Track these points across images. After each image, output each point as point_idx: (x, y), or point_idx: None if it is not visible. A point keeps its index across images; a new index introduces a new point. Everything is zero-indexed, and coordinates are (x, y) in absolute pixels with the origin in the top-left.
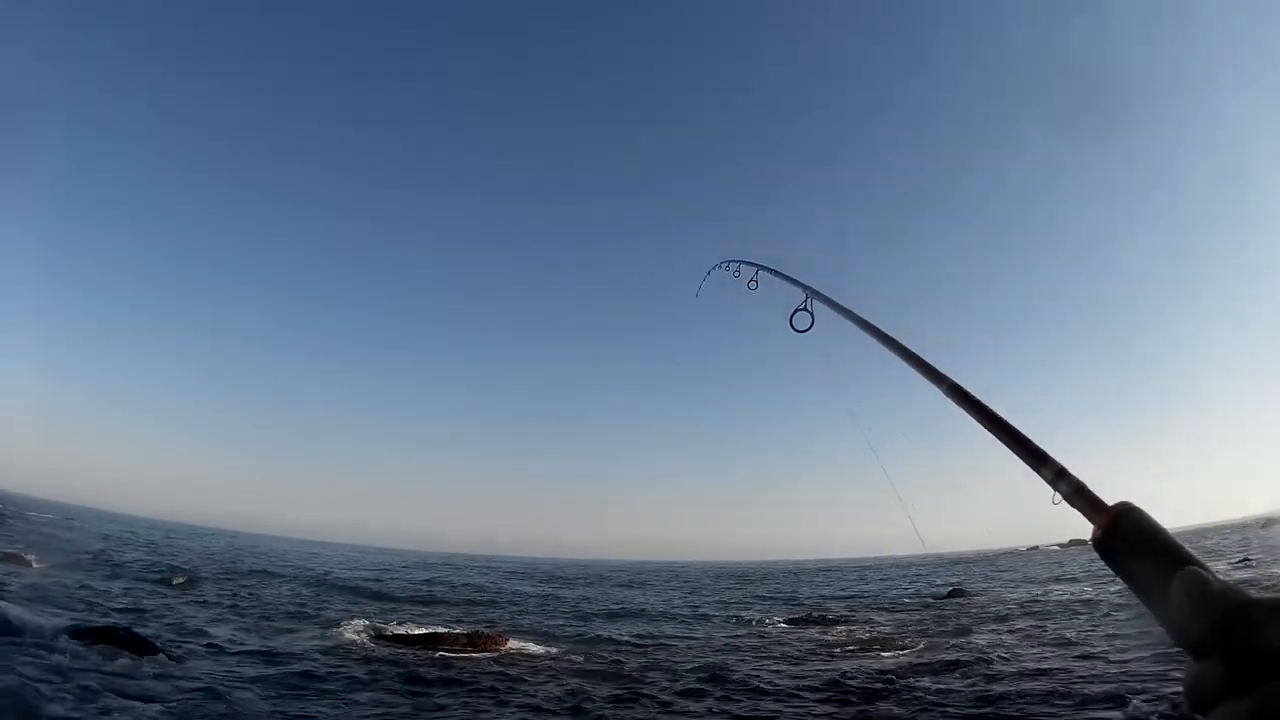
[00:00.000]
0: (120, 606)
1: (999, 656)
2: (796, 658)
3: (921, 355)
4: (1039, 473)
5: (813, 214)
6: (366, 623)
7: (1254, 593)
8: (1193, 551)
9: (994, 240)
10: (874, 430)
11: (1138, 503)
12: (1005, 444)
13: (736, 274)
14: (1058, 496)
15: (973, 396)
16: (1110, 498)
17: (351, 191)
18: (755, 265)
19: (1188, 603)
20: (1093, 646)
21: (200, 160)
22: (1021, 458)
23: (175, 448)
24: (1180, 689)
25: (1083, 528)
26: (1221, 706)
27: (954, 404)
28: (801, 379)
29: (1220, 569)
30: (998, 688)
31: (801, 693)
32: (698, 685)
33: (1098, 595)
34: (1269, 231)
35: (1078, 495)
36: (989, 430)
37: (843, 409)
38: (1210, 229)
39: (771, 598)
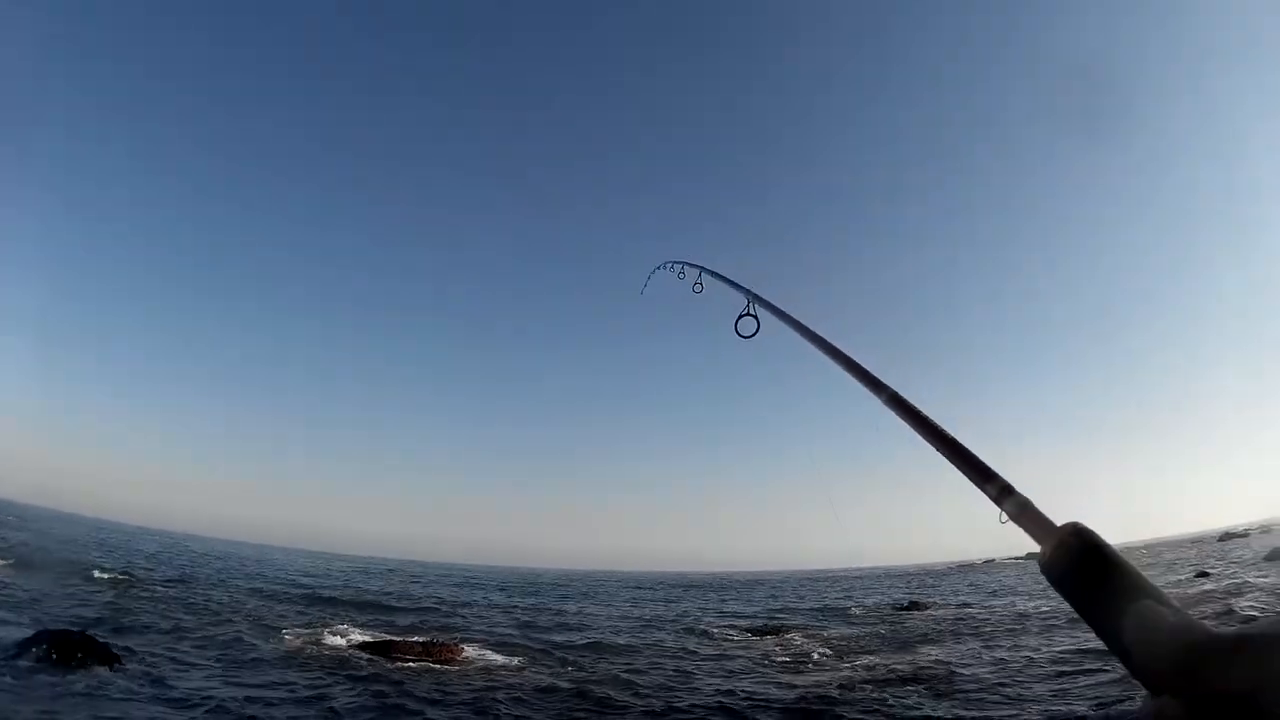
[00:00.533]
0: (72, 610)
1: (953, 668)
2: (755, 668)
3: (861, 364)
4: (983, 489)
5: (777, 223)
6: (321, 630)
7: (1211, 624)
8: (1146, 578)
9: (964, 252)
10: (839, 439)
11: (1089, 522)
12: (948, 458)
13: (681, 275)
14: (1004, 516)
15: (913, 407)
16: (1064, 514)
17: (334, 198)
18: (698, 267)
19: (1143, 637)
20: (1040, 658)
21: (199, 163)
22: (965, 473)
23: (126, 448)
24: None
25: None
26: None
27: (895, 415)
28: (754, 390)
29: (1178, 579)
30: (949, 699)
31: (762, 703)
32: (657, 695)
33: (1050, 609)
34: (1258, 248)
35: (1023, 514)
36: (931, 444)
37: (793, 420)
38: (1198, 243)
39: (728, 608)
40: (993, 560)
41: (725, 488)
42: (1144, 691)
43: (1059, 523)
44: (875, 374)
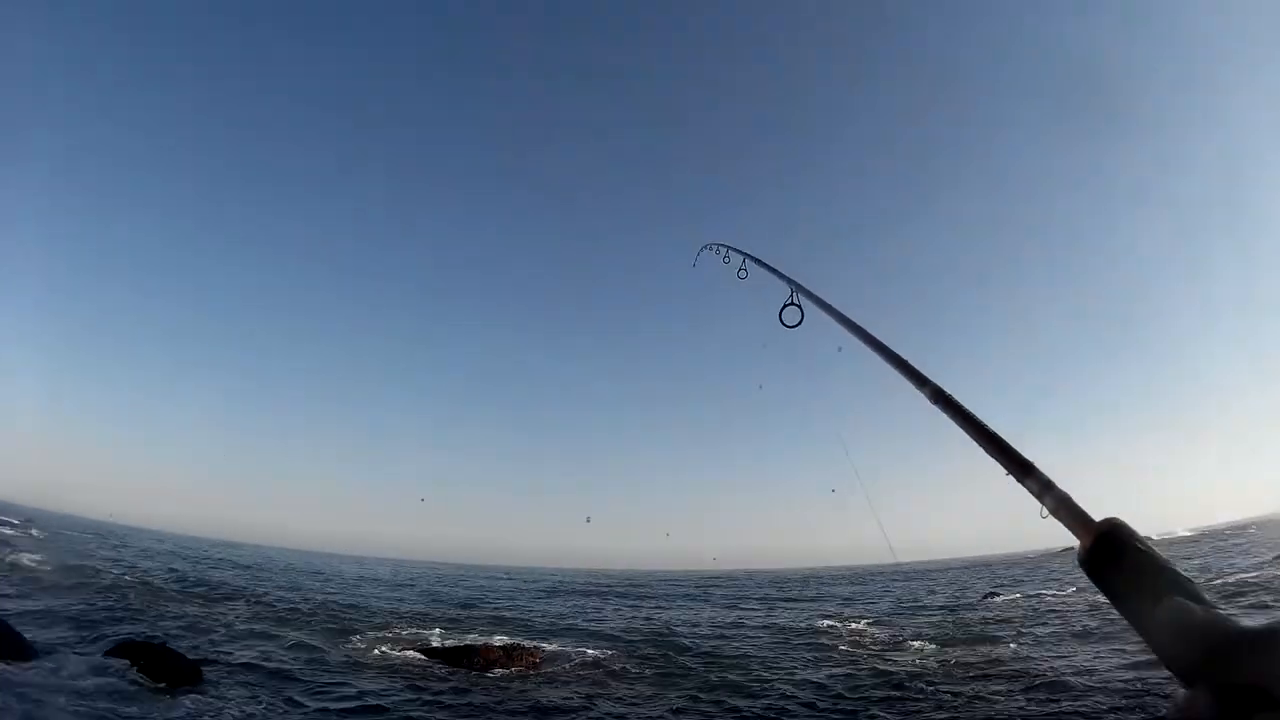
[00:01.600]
0: (149, 621)
1: (1027, 662)
2: (857, 661)
3: (906, 358)
4: (1024, 484)
5: (799, 212)
6: (395, 635)
7: (1239, 619)
8: (1181, 573)
9: (980, 244)
10: (875, 436)
11: (1126, 518)
12: (990, 454)
13: (726, 260)
14: (1045, 510)
15: (957, 403)
16: (1100, 509)
17: (338, 191)
18: (743, 254)
19: (1175, 631)
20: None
21: (199, 162)
22: (1007, 468)
23: (183, 460)
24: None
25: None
26: None
27: (939, 411)
28: (795, 382)
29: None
30: (1023, 693)
31: (859, 694)
32: (751, 691)
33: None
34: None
35: (1063, 509)
36: (974, 439)
37: (828, 417)
38: (1207, 238)
39: (805, 603)
40: (1071, 548)
41: (754, 486)
42: (1175, 684)
43: (1098, 518)
44: (920, 369)
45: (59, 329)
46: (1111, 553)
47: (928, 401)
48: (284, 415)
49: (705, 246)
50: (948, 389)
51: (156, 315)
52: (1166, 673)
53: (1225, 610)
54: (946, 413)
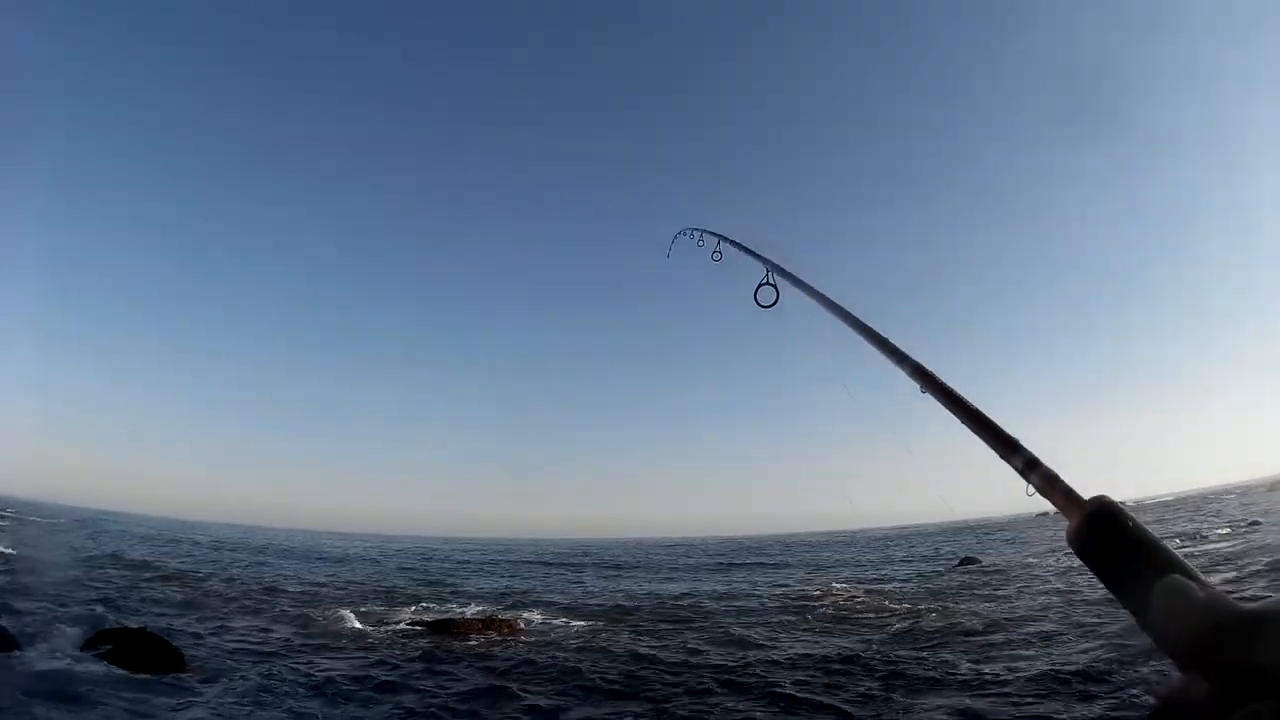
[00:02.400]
0: (131, 608)
1: (1001, 623)
2: (826, 629)
3: (884, 335)
4: (1009, 462)
5: (797, 203)
6: (375, 611)
7: (1238, 600)
8: (1175, 552)
9: (982, 236)
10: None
11: (1110, 484)
12: (974, 431)
13: (700, 243)
14: (1031, 489)
15: (938, 380)
16: (1088, 484)
17: (334, 189)
18: (717, 236)
19: (1171, 611)
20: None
21: (200, 160)
22: (991, 446)
23: (156, 444)
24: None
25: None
26: None
27: (918, 387)
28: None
29: (1224, 533)
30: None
31: (832, 665)
32: (721, 663)
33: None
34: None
35: (1050, 487)
36: (957, 416)
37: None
38: (1205, 226)
39: (780, 568)
40: (1046, 513)
41: (730, 455)
42: (1170, 667)
43: (1086, 496)
44: (898, 345)
45: (52, 320)
46: (1101, 531)
47: (907, 378)
48: (275, 401)
49: (680, 232)
50: (929, 366)
51: (157, 305)
52: (1161, 659)
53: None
54: (928, 389)
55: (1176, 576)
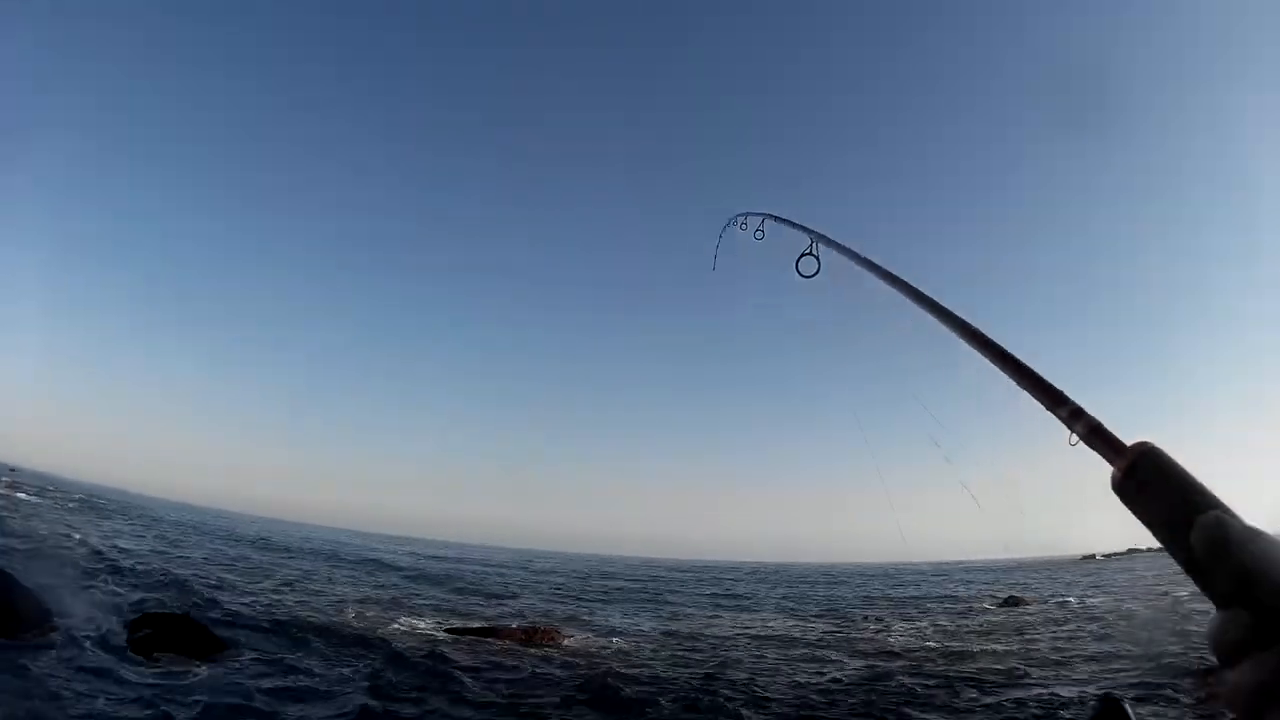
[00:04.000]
0: (172, 591)
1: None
2: (865, 662)
3: (933, 297)
4: (1055, 413)
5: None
6: (414, 614)
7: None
8: (1215, 494)
9: (988, 239)
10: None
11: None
12: (1020, 385)
13: (743, 227)
14: (1074, 438)
15: (987, 337)
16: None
17: (349, 186)
18: (760, 214)
19: (1210, 548)
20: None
21: (201, 156)
22: (1037, 398)
23: (198, 429)
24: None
25: (1140, 536)
26: (1249, 658)
27: (967, 346)
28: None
29: None
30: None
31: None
32: (764, 685)
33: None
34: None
35: (1095, 435)
36: (1003, 370)
37: (850, 412)
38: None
39: (822, 598)
40: (1093, 556)
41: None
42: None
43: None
44: (948, 307)
45: (83, 299)
46: (1145, 476)
47: (955, 337)
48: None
49: (724, 227)
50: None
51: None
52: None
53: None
54: (976, 347)
55: (1216, 513)
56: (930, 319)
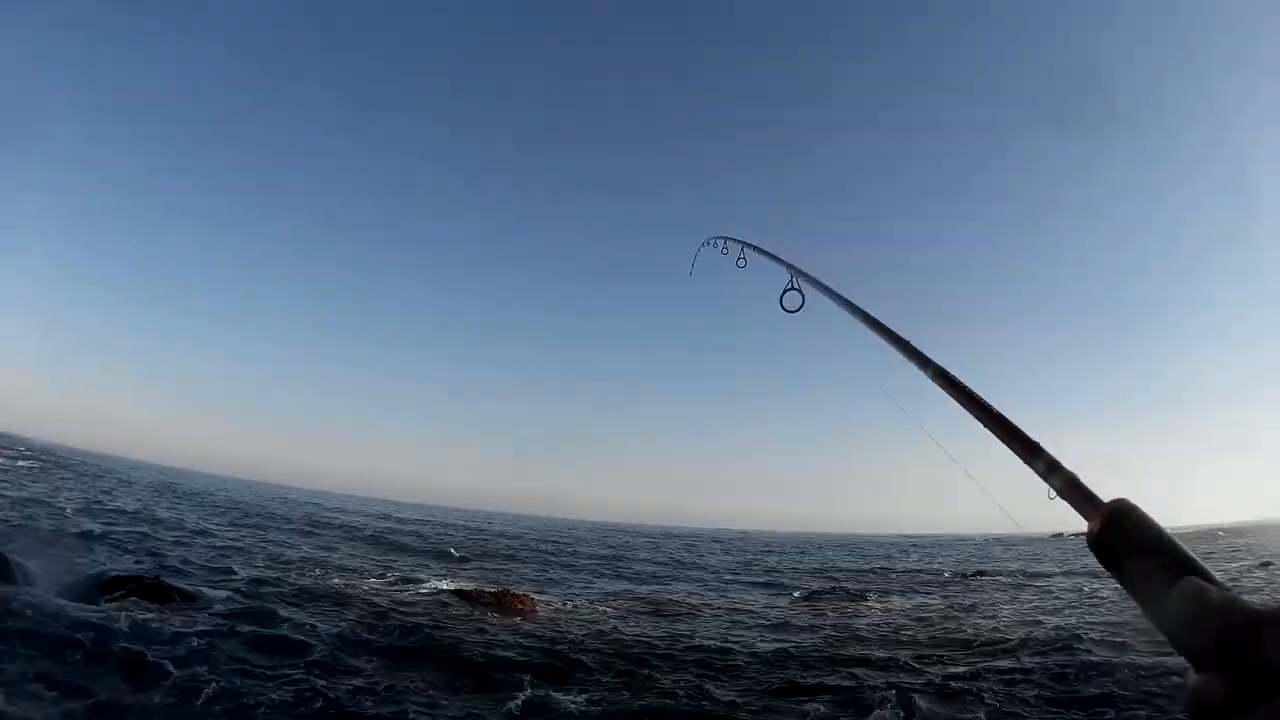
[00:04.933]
0: (147, 553)
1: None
2: (821, 628)
3: (907, 339)
4: (1031, 465)
5: (805, 207)
6: (386, 577)
7: (1256, 603)
8: (1193, 555)
9: (989, 238)
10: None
11: (1134, 500)
12: (996, 435)
13: (725, 251)
14: (1052, 491)
15: (960, 383)
16: (1105, 493)
17: (349, 179)
18: (740, 243)
19: (1189, 612)
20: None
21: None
22: (1013, 449)
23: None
24: (1180, 700)
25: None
26: None
27: (941, 390)
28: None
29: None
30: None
31: (830, 661)
32: (725, 653)
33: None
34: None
35: (1071, 490)
36: (979, 419)
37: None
38: (1209, 228)
39: (796, 568)
40: (1060, 534)
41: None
42: (1188, 668)
43: (1106, 499)
44: (921, 349)
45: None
46: (1121, 534)
47: (929, 381)
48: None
49: (703, 244)
50: (953, 371)
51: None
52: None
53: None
54: (950, 393)
55: (1194, 579)
56: (911, 365)
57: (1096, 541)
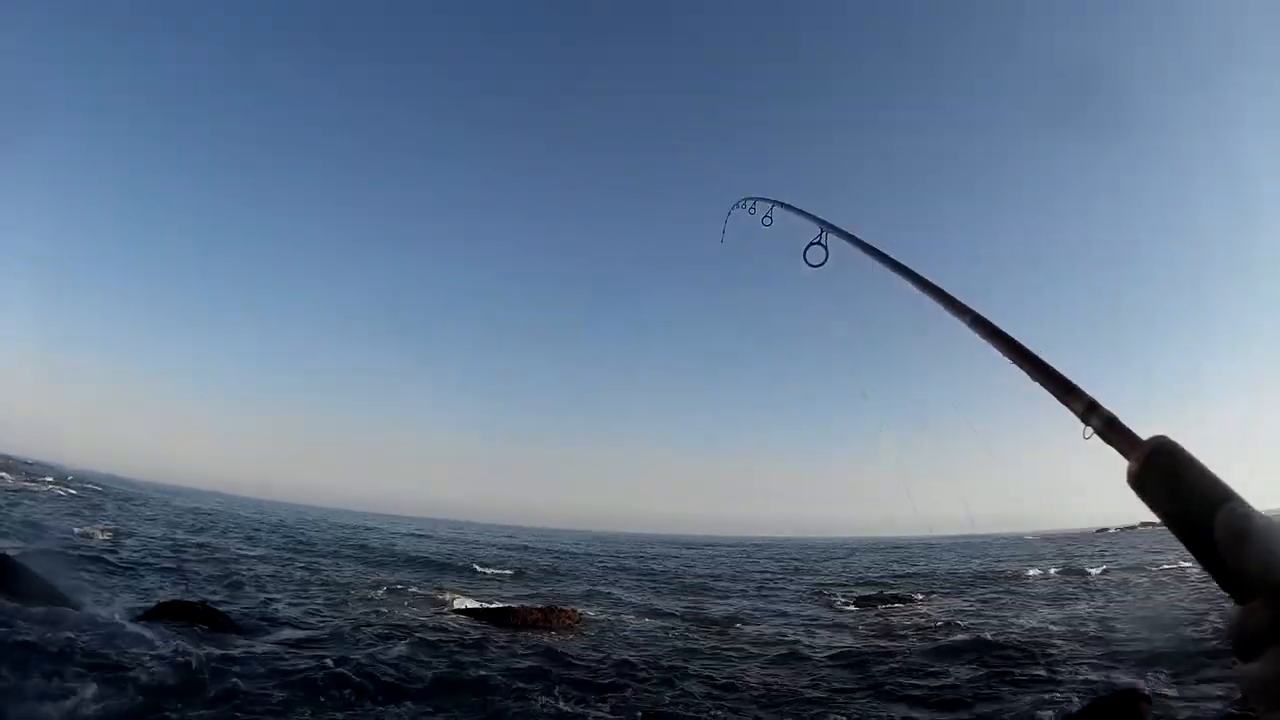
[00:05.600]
0: (193, 578)
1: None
2: (873, 637)
3: (943, 287)
4: (1069, 406)
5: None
6: (428, 595)
7: None
8: (1235, 490)
9: (991, 236)
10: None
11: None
12: (1032, 377)
13: (752, 211)
14: (1089, 431)
15: (998, 329)
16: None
17: (349, 177)
18: (770, 201)
19: (1232, 542)
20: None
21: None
22: (1050, 390)
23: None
24: (1222, 633)
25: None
26: (1269, 651)
27: (979, 337)
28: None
29: None
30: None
31: (886, 674)
32: (780, 663)
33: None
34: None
35: (1110, 429)
36: (1015, 362)
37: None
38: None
39: (837, 576)
40: (1106, 529)
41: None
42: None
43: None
44: (956, 296)
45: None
46: (1161, 470)
47: (967, 328)
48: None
49: (733, 207)
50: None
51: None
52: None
53: None
54: (987, 338)
55: (1234, 505)
56: (940, 309)
57: (1137, 479)
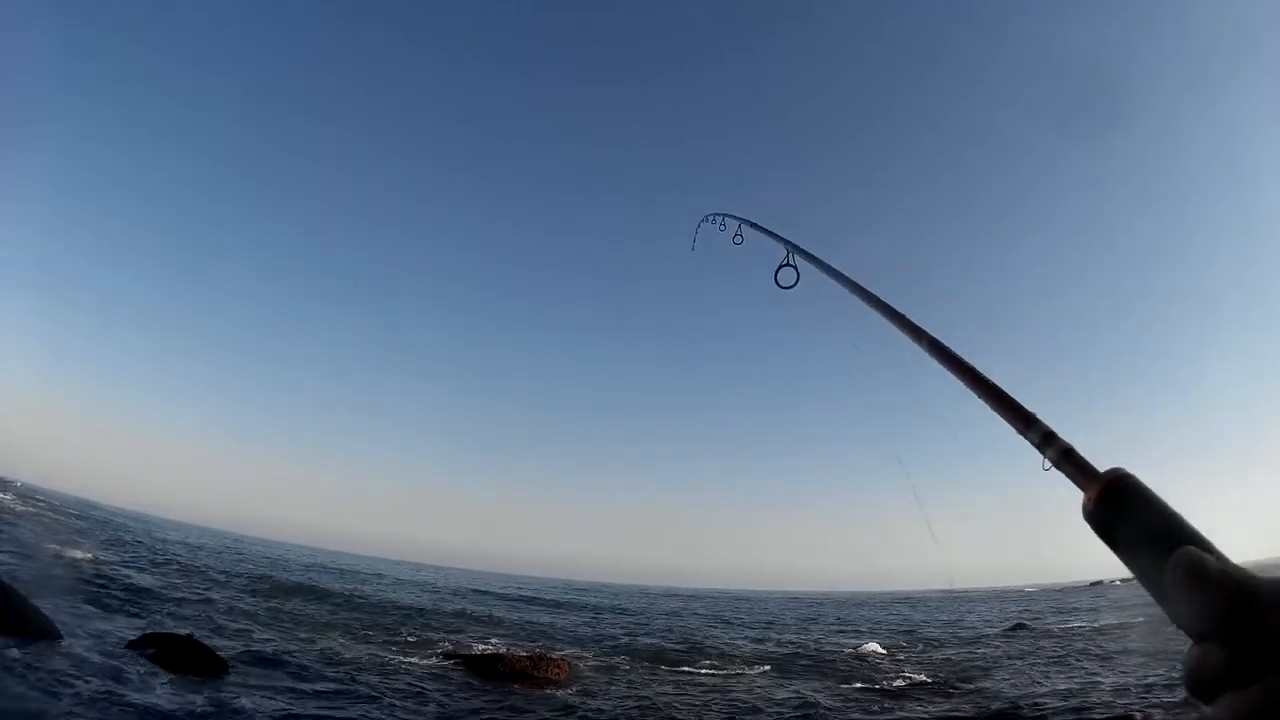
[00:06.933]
0: (171, 610)
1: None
2: (883, 692)
3: (902, 311)
4: (1025, 436)
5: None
6: (418, 639)
7: (1254, 571)
8: (1193, 525)
9: (985, 240)
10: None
11: (1134, 471)
12: (991, 406)
13: (722, 228)
14: (1047, 463)
15: (953, 353)
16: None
17: (340, 192)
18: (738, 219)
19: (1187, 582)
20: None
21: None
22: (1007, 420)
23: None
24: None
25: None
26: (1225, 696)
27: (940, 366)
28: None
29: None
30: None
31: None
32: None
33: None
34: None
35: (1066, 460)
36: (972, 389)
37: (890, 451)
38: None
39: (833, 627)
40: (1100, 582)
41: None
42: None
43: (1103, 469)
44: (914, 320)
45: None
46: (1119, 503)
47: (923, 352)
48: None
49: (703, 219)
50: (947, 342)
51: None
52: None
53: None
54: (944, 364)
55: (1191, 548)
56: (904, 337)
57: (1092, 514)
